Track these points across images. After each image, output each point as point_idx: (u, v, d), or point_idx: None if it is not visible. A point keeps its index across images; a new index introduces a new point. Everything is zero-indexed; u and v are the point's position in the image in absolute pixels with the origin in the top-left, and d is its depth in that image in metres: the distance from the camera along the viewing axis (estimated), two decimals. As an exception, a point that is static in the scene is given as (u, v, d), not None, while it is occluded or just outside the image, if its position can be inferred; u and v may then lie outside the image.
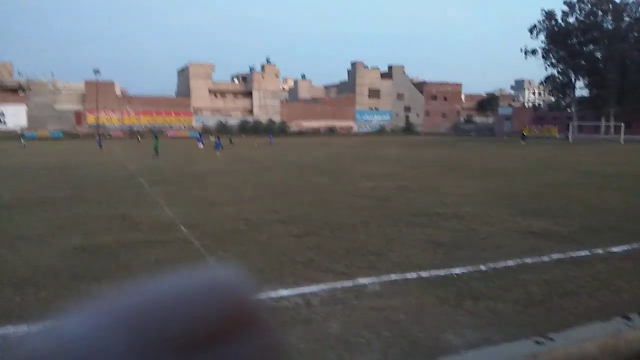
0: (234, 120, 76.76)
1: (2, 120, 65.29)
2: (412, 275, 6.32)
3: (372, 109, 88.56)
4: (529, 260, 7.00)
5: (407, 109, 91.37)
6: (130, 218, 10.14)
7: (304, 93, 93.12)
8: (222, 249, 7.63)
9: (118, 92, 75.80)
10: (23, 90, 70.00)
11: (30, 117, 66.52)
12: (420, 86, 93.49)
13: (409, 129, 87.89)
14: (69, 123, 68.38)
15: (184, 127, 73.02)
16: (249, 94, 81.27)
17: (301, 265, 6.77)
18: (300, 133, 77.75)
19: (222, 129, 69.23)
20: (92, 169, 21.76)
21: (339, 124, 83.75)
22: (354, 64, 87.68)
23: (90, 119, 69.00)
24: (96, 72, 66.64)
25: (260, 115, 79.41)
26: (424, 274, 6.37)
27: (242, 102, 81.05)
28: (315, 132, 79.93)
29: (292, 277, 6.25)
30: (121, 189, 14.90)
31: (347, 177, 18.38)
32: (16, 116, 65.80)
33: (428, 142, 55.42)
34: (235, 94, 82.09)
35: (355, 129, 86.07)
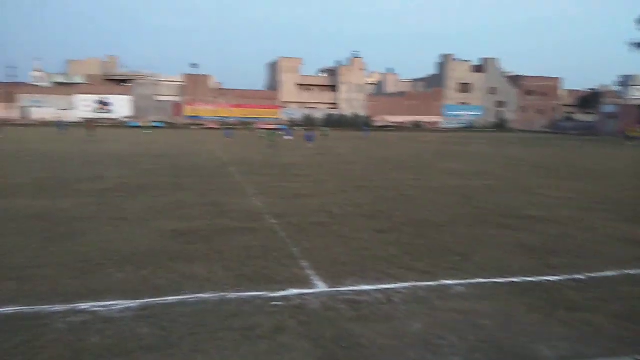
0: (319, 114, 77.69)
1: (109, 109, 71.00)
2: (499, 279, 6.09)
3: (461, 103, 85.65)
4: (631, 271, 6.48)
5: (500, 104, 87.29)
6: (222, 206, 10.66)
7: (390, 87, 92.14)
8: (307, 240, 7.81)
9: (213, 85, 79.56)
10: (128, 81, 75.72)
11: (133, 107, 71.76)
12: (515, 80, 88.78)
13: (501, 125, 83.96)
14: (167, 113, 72.88)
15: (272, 120, 75.09)
16: (334, 88, 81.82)
17: (383, 261, 6.75)
18: (385, 127, 76.98)
19: (308, 122, 70.32)
20: (190, 157, 23.07)
21: (425, 118, 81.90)
22: (443, 57, 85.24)
23: (188, 110, 73.09)
24: (193, 65, 70.48)
25: (346, 108, 79.67)
26: (513, 279, 6.11)
27: (328, 96, 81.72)
28: (401, 126, 78.76)
29: (373, 273, 6.26)
30: (213, 177, 15.68)
31: (432, 173, 17.99)
32: (122, 106, 71.28)
33: (522, 139, 52.62)
34: (321, 87, 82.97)
35: (443, 124, 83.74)
